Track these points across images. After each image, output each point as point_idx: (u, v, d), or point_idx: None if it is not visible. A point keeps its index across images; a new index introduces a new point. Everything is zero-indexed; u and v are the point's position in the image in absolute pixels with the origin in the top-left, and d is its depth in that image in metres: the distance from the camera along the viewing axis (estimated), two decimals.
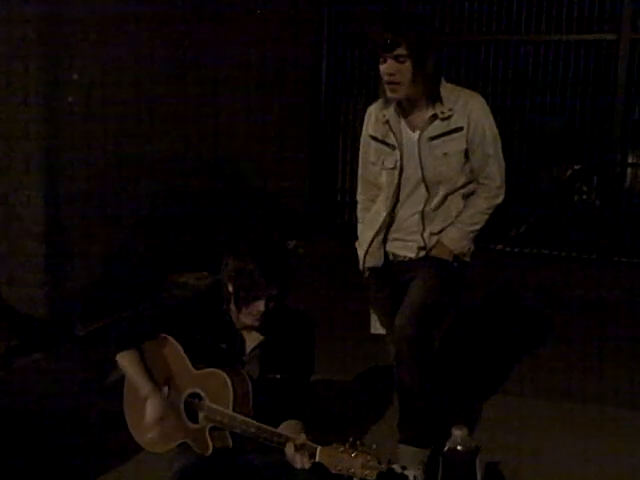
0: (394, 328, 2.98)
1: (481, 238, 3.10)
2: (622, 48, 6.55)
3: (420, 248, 3.03)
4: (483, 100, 3.00)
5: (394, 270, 3.15)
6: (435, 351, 3.12)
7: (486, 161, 2.97)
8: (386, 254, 3.14)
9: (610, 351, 4.58)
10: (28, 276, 4.53)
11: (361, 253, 3.18)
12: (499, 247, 6.65)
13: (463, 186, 3.01)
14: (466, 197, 3.03)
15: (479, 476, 2.51)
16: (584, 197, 7.82)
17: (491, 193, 2.99)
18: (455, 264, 3.01)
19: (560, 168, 7.58)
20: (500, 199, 3.01)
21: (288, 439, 2.21)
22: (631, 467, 3.14)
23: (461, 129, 2.92)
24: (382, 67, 2.85)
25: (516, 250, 6.90)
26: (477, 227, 3.02)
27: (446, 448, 2.50)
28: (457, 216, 3.01)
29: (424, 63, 2.83)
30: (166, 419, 2.42)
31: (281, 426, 2.32)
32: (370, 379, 4.10)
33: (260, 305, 2.35)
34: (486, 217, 3.02)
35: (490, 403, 3.78)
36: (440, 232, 3.03)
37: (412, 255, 3.06)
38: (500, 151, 3.00)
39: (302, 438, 2.19)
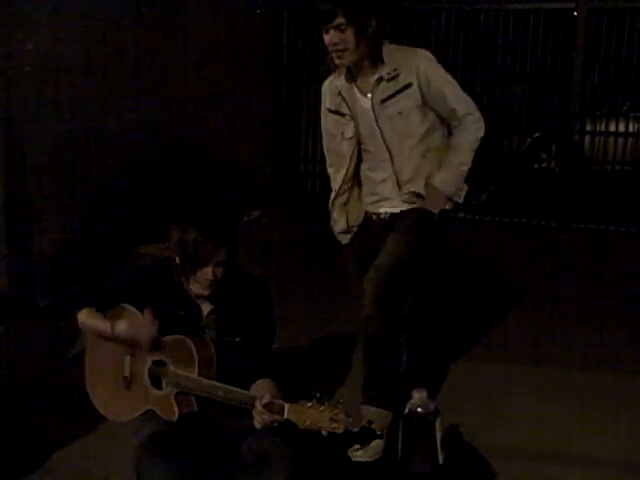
0: (364, 288, 3.02)
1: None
2: (580, 17, 6.63)
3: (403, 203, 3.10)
4: (427, 52, 3.05)
5: (374, 229, 3.20)
6: (405, 313, 3.15)
7: (454, 108, 3.01)
8: (368, 216, 3.21)
9: (573, 316, 4.66)
10: None
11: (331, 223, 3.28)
12: (460, 215, 6.70)
13: (426, 136, 3.05)
14: (436, 148, 3.07)
15: (438, 438, 2.55)
16: (544, 165, 7.93)
17: (471, 128, 3.02)
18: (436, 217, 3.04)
19: (520, 137, 7.66)
20: (482, 132, 3.03)
21: (254, 399, 2.25)
22: (591, 429, 3.20)
23: (410, 85, 2.98)
24: (325, 37, 2.93)
25: (477, 218, 6.99)
26: (466, 166, 3.04)
27: (406, 410, 2.54)
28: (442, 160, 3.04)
29: (365, 28, 2.89)
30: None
31: (252, 386, 2.36)
32: (336, 345, 4.14)
33: (208, 273, 2.36)
34: (472, 154, 3.03)
35: (451, 367, 3.84)
36: (411, 181, 3.06)
37: (393, 210, 3.12)
38: (460, 90, 3.04)
39: (267, 398, 2.22)
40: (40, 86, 4.67)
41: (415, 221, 3.06)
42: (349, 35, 2.87)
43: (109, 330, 2.44)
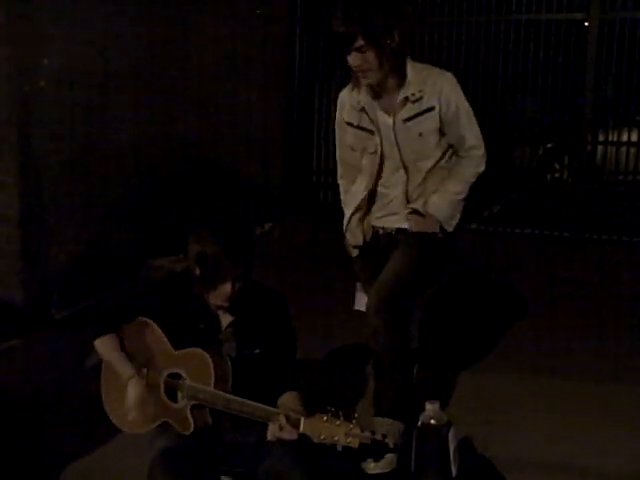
0: (369, 303, 3.04)
1: (463, 214, 3.17)
2: (591, 27, 6.62)
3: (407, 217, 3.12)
4: (452, 77, 3.06)
5: (381, 243, 3.21)
6: (411, 325, 3.16)
7: (464, 135, 3.05)
8: (375, 230, 3.22)
9: (587, 327, 4.65)
10: (3, 262, 4.52)
11: (344, 231, 3.27)
12: (473, 226, 6.70)
13: (441, 159, 3.09)
14: (446, 168, 3.11)
15: (451, 450, 2.55)
16: (556, 175, 7.90)
17: (474, 162, 3.08)
18: (439, 235, 3.08)
19: (532, 147, 7.65)
20: (483, 167, 3.09)
21: (270, 414, 2.26)
22: (602, 442, 3.19)
23: (433, 108, 3.00)
24: (348, 59, 2.91)
25: (490, 229, 6.96)
26: (461, 196, 3.09)
27: (419, 423, 2.54)
28: (440, 185, 3.09)
29: (385, 48, 2.88)
30: (147, 402, 2.46)
31: (279, 399, 2.38)
32: (348, 357, 4.15)
33: (227, 286, 2.38)
34: (469, 186, 3.10)
35: (464, 378, 3.84)
36: (416, 200, 3.09)
37: (400, 225, 3.14)
38: (475, 121, 3.08)
39: (283, 416, 2.23)
40: (55, 100, 4.72)
41: (420, 237, 3.08)
42: (371, 56, 2.86)
43: (125, 373, 2.49)
